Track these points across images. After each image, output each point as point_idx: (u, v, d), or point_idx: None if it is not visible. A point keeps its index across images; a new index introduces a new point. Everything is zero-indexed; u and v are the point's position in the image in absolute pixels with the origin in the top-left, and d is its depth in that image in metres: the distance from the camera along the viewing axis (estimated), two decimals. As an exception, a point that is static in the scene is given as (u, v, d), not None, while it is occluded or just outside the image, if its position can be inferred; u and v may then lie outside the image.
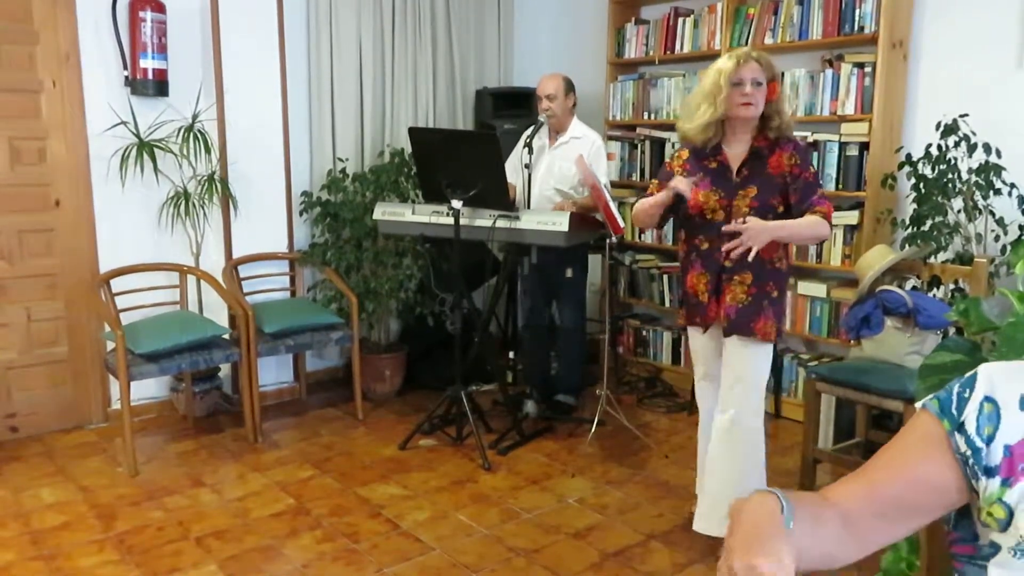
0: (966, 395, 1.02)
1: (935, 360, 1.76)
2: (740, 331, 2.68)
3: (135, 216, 3.91)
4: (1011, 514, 0.97)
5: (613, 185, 4.52)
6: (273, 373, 4.33)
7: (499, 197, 3.52)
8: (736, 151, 2.67)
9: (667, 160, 2.89)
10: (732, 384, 2.73)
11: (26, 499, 3.18)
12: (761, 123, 2.65)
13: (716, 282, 2.70)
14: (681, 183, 2.60)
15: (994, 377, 1.02)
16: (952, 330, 3.13)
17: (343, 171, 4.39)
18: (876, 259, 3.30)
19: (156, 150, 3.80)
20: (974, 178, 3.24)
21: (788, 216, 2.63)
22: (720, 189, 2.66)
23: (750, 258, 2.52)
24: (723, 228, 2.58)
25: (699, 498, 2.91)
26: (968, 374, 1.05)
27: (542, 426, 3.93)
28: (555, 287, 4.06)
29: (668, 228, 4.59)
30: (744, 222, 2.52)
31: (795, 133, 2.81)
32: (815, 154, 3.76)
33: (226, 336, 3.74)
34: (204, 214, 4.01)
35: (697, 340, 2.85)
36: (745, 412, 2.72)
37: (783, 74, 3.81)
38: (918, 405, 1.07)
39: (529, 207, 3.82)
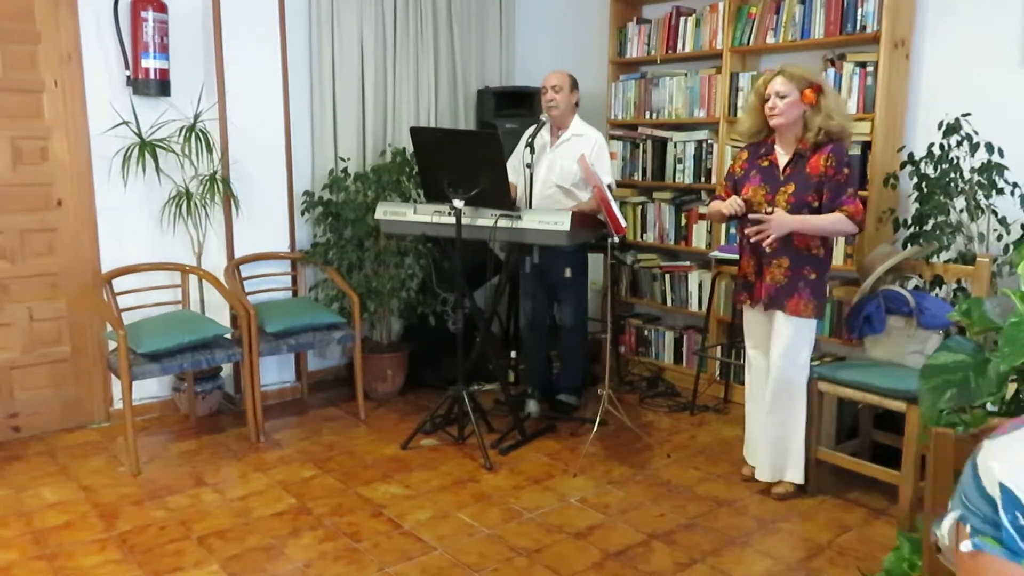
0: (1003, 518, 0.84)
1: (938, 360, 1.76)
2: (776, 307, 3.11)
3: (137, 216, 3.91)
4: None
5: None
6: (275, 373, 4.33)
7: (501, 197, 3.51)
8: (784, 152, 3.09)
9: (731, 163, 3.33)
10: (778, 352, 3.14)
11: (28, 498, 3.18)
12: (803, 128, 3.03)
13: (758, 265, 3.16)
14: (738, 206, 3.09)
15: (996, 467, 0.85)
16: (954, 330, 3.13)
17: (345, 170, 4.39)
18: (878, 258, 3.31)
19: (158, 150, 3.80)
20: (976, 177, 3.24)
21: (821, 212, 3.01)
22: (767, 185, 3.08)
23: (766, 244, 2.97)
24: (749, 216, 3.04)
25: (756, 453, 3.31)
26: (973, 480, 0.86)
27: (544, 426, 3.93)
28: (556, 287, 4.06)
29: (670, 229, 4.60)
30: (770, 213, 2.99)
31: None
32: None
33: (228, 336, 3.74)
34: (206, 214, 4.02)
35: (747, 315, 3.31)
36: (790, 375, 3.13)
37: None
38: (966, 547, 0.88)
39: (531, 206, 3.81)
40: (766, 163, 3.12)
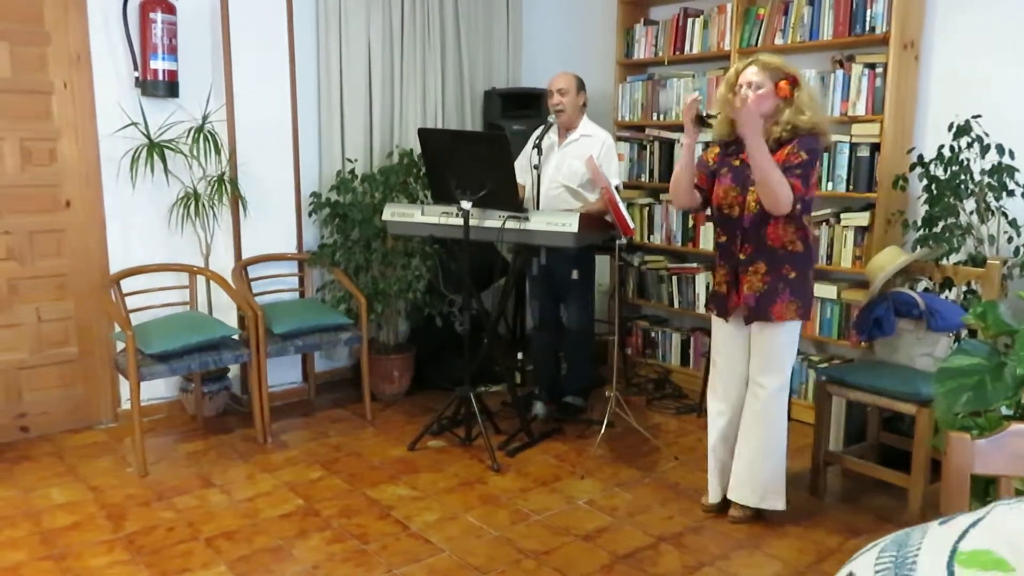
0: None
1: (953, 363, 1.75)
2: (760, 317, 2.86)
3: (145, 217, 3.91)
4: None
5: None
6: (282, 374, 4.33)
7: (508, 198, 3.51)
8: None
9: (703, 152, 3.08)
10: (760, 365, 2.90)
11: (36, 499, 3.19)
12: (773, 123, 2.75)
13: (734, 274, 2.90)
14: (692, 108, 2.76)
15: None
16: (964, 332, 3.12)
17: (352, 172, 4.39)
18: (888, 261, 3.29)
19: (166, 151, 3.81)
20: (987, 179, 3.23)
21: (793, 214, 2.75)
22: (738, 185, 2.84)
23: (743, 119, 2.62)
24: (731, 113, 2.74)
25: (731, 473, 3.05)
26: None
27: (551, 427, 3.92)
28: (563, 288, 4.05)
29: (678, 231, 4.58)
30: (739, 215, 2.80)
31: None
32: (825, 155, 3.74)
33: (235, 337, 3.74)
34: (214, 215, 4.02)
35: (717, 328, 3.04)
36: (772, 390, 2.89)
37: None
38: None
39: (538, 207, 3.81)
40: (737, 162, 2.84)
